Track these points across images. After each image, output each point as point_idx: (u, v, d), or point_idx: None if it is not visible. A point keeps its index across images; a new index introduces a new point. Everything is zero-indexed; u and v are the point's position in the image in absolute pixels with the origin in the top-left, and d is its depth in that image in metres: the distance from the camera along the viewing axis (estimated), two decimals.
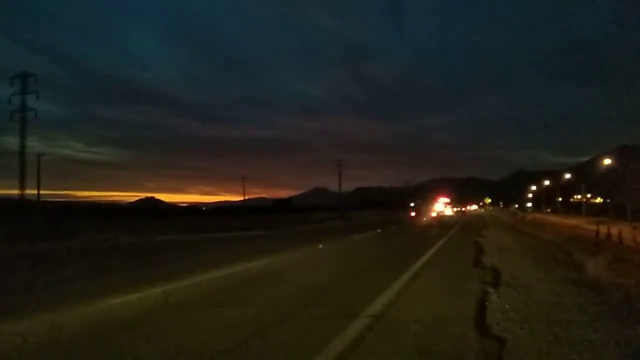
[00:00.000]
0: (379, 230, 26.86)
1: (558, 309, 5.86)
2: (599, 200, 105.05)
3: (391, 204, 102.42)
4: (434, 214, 66.67)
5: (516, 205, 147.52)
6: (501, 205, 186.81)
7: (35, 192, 45.53)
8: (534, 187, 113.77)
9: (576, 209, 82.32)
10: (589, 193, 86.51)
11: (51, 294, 7.17)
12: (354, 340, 4.58)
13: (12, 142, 39.84)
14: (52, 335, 4.88)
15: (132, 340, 4.62)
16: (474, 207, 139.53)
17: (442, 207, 77.45)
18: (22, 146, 39.66)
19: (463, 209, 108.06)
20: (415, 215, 62.56)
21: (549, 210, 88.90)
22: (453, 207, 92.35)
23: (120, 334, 4.86)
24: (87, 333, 4.92)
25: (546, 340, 4.47)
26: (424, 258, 12.18)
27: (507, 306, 6.02)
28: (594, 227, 19.95)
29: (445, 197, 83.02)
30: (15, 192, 39.62)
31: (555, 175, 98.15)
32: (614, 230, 18.18)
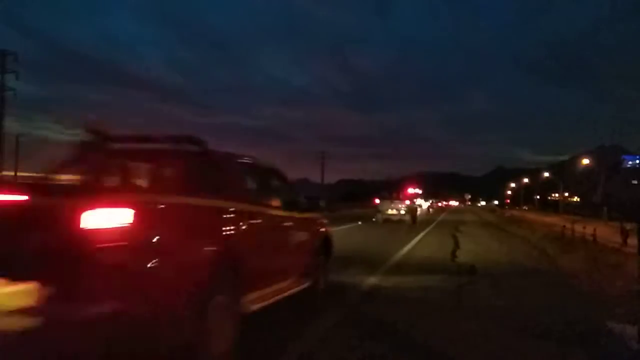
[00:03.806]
0: (360, 223, 27.05)
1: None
2: (576, 199, 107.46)
3: (373, 197, 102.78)
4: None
5: (496, 202, 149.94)
6: (480, 201, 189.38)
7: (13, 173, 44.60)
8: (513, 185, 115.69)
9: (553, 207, 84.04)
10: (566, 192, 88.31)
11: None
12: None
13: None
14: None
15: None
16: (454, 202, 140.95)
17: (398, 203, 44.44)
18: (0, 127, 38.73)
19: (444, 204, 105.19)
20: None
21: (525, 208, 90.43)
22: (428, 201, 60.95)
23: None
24: None
25: None
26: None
27: None
28: (569, 225, 20.41)
29: (414, 187, 50.28)
30: None
31: (534, 173, 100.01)
32: (589, 229, 18.65)
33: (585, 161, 45.71)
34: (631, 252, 14.19)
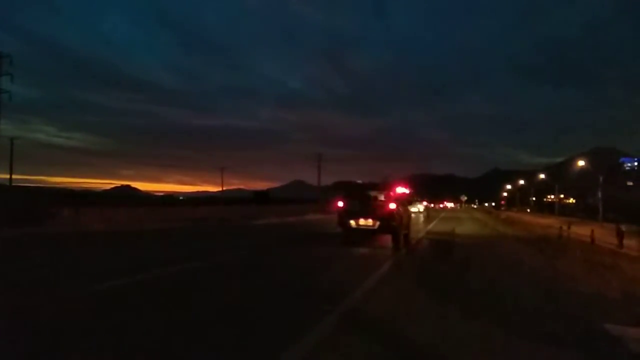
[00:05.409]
0: None
1: None
2: (571, 200, 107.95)
3: None
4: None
5: (493, 204, 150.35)
6: (477, 203, 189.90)
7: (8, 176, 44.47)
8: (509, 186, 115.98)
9: (549, 208, 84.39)
10: (562, 193, 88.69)
11: None
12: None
13: None
14: None
15: None
16: (450, 204, 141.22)
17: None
18: None
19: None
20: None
21: (528, 210, 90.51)
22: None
23: None
24: None
25: None
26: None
27: None
28: (565, 227, 20.51)
29: (403, 186, 35.09)
30: None
31: (530, 174, 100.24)
32: (585, 231, 18.74)
33: (581, 163, 45.76)
34: (628, 253, 14.27)
